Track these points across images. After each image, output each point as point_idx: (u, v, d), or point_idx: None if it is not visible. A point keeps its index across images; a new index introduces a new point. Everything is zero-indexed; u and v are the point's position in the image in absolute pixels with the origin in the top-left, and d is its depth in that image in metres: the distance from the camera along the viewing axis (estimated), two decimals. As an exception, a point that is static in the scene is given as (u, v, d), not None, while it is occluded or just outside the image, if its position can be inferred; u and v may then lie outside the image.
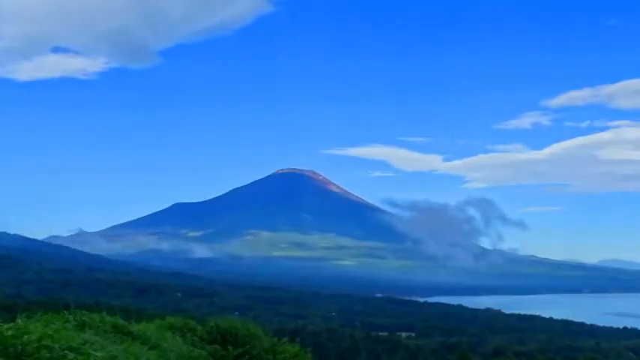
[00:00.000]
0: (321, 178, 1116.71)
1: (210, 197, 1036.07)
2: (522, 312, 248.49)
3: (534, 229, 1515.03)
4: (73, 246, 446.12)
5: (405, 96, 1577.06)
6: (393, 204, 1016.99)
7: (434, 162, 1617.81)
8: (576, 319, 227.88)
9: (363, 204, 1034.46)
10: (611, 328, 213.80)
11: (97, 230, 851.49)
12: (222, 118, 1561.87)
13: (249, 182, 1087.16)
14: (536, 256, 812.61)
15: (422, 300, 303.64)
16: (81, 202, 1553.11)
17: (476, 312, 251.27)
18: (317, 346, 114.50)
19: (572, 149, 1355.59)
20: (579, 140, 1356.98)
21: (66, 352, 7.99)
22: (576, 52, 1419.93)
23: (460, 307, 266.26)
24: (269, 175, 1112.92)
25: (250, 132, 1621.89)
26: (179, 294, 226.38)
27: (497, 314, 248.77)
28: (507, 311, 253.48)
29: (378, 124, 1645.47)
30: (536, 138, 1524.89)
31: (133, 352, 10.06)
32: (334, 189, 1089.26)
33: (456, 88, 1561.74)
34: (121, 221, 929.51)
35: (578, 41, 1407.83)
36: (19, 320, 8.72)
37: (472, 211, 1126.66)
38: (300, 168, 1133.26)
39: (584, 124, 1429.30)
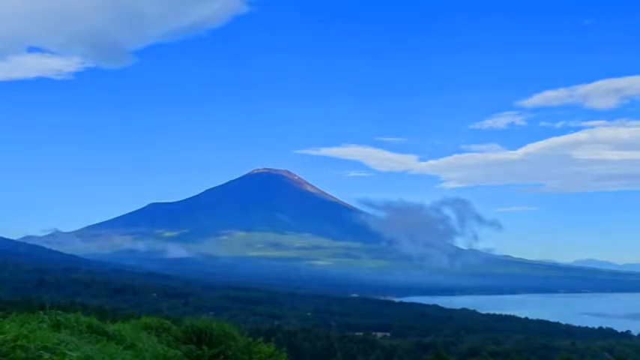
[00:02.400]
0: (297, 178, 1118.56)
1: (186, 197, 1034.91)
2: (497, 312, 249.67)
3: (509, 229, 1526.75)
4: (48, 246, 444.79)
5: (381, 96, 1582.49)
6: (369, 204, 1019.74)
7: (409, 162, 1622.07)
8: (552, 319, 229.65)
9: (339, 204, 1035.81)
10: (586, 328, 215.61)
11: (72, 230, 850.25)
12: (197, 118, 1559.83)
13: (224, 182, 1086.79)
14: (511, 256, 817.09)
15: (397, 300, 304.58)
16: (56, 202, 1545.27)
17: (451, 312, 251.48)
18: (292, 346, 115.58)
19: (547, 149, 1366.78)
20: (554, 140, 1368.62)
21: (41, 352, 8.02)
22: (551, 52, 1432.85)
23: (435, 307, 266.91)
24: (244, 175, 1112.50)
25: (225, 132, 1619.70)
26: (154, 294, 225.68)
27: (472, 314, 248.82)
28: (482, 311, 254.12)
29: (354, 124, 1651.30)
30: (512, 138, 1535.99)
31: (108, 352, 10.09)
32: (310, 189, 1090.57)
33: (432, 88, 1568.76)
34: (97, 221, 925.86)
35: (553, 41, 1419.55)
36: (-6, 320, 8.74)
37: (447, 211, 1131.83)
38: (276, 168, 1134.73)
39: (559, 124, 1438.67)
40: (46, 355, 7.97)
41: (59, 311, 11.48)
